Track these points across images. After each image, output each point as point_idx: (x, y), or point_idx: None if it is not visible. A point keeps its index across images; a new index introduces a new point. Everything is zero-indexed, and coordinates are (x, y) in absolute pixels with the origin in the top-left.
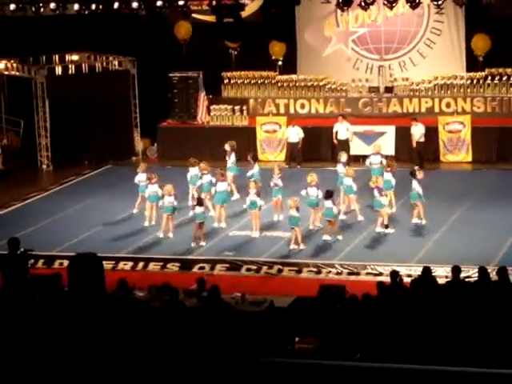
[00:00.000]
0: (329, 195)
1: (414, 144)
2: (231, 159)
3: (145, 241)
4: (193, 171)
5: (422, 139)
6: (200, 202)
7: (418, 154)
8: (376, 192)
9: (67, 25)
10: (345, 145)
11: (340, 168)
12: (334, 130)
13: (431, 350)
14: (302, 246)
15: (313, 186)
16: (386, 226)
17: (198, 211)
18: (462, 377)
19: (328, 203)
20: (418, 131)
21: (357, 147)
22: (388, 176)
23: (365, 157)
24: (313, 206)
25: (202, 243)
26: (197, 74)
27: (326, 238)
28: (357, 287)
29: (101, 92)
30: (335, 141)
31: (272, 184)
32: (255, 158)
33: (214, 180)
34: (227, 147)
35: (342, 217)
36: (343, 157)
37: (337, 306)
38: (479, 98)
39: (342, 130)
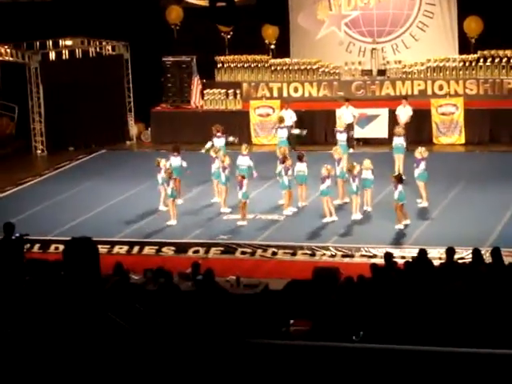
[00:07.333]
0: (400, 180)
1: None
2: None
3: (139, 224)
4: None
5: (409, 121)
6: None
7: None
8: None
9: (61, 10)
10: (350, 128)
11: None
12: (338, 115)
13: (426, 332)
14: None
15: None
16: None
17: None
18: (457, 357)
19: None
20: (405, 113)
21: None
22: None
23: (359, 140)
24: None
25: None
26: (190, 59)
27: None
28: (351, 269)
29: (95, 77)
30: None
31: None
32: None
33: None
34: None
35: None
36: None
37: (333, 297)
38: (472, 81)
39: (348, 114)
